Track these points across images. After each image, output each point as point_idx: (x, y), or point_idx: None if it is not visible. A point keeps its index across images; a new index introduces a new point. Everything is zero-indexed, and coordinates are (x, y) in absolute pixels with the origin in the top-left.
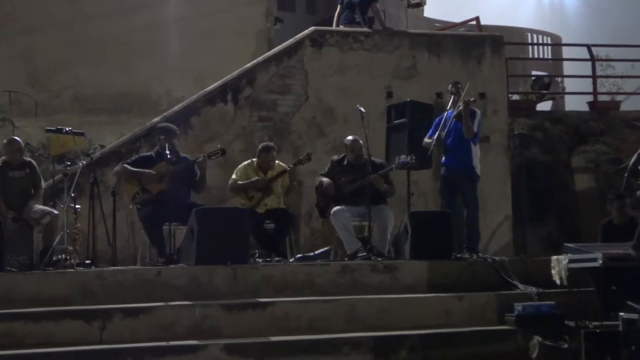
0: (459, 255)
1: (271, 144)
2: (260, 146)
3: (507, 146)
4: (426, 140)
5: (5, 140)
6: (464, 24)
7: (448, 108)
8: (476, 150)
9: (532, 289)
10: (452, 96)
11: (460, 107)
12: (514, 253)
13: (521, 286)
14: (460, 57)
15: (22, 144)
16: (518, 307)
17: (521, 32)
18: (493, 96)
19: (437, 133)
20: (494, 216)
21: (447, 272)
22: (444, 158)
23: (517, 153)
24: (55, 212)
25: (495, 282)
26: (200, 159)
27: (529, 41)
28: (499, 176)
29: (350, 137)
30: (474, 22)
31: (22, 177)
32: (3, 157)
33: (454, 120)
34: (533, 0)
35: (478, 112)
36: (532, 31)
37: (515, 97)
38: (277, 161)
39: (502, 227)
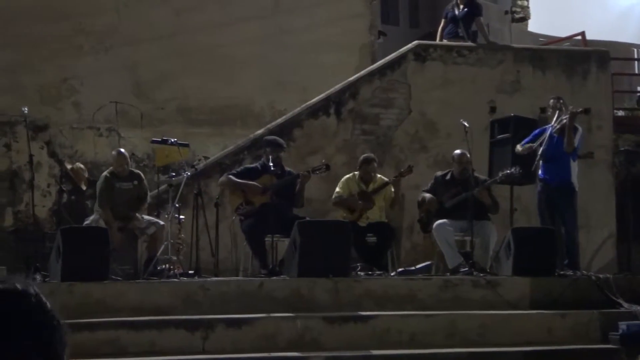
0: (562, 272)
1: (372, 155)
2: (361, 158)
3: (612, 163)
4: (519, 147)
5: (114, 152)
6: (569, 38)
7: (553, 123)
8: (574, 166)
9: (637, 308)
10: (557, 111)
11: (564, 120)
12: (618, 271)
13: (626, 304)
14: (565, 72)
15: (128, 156)
16: (622, 325)
17: (627, 47)
18: (598, 112)
19: (532, 144)
20: (597, 233)
21: (550, 289)
22: (541, 172)
23: (622, 169)
24: (161, 222)
25: (599, 299)
26: (304, 174)
27: (635, 56)
28: (603, 193)
29: (458, 151)
30: (579, 37)
31: (130, 189)
32: (110, 168)
33: (555, 134)
34: (639, 15)
35: (580, 128)
36: (639, 46)
37: (621, 113)
38: (378, 175)
39: (606, 244)
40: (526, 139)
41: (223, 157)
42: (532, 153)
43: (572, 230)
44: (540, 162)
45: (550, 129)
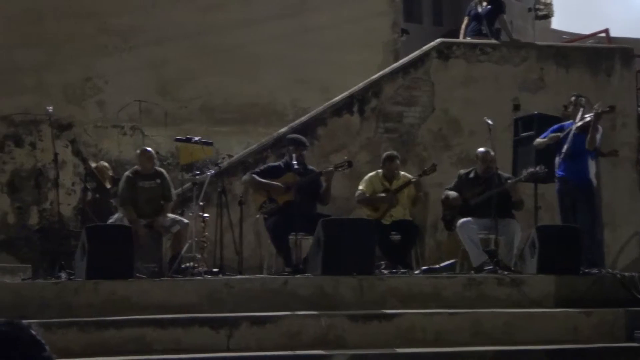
0: (586, 270)
1: (395, 152)
2: (384, 155)
3: (636, 160)
4: (539, 140)
5: (138, 150)
6: (593, 36)
7: (577, 121)
8: (593, 164)
9: None
10: (581, 108)
11: (587, 118)
12: None
13: None
14: (589, 70)
15: (154, 154)
16: None
17: None
18: (622, 109)
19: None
20: (622, 231)
21: (575, 287)
22: (560, 170)
23: None
24: (186, 221)
25: (625, 298)
26: (327, 171)
27: None
28: (628, 191)
29: (482, 149)
30: (603, 34)
31: (153, 187)
32: (135, 167)
33: (576, 131)
34: None
35: (600, 127)
36: None
37: None
38: (402, 172)
39: (631, 242)
40: (544, 134)
41: (246, 156)
42: (555, 145)
43: (594, 228)
44: (560, 159)
45: (572, 126)
